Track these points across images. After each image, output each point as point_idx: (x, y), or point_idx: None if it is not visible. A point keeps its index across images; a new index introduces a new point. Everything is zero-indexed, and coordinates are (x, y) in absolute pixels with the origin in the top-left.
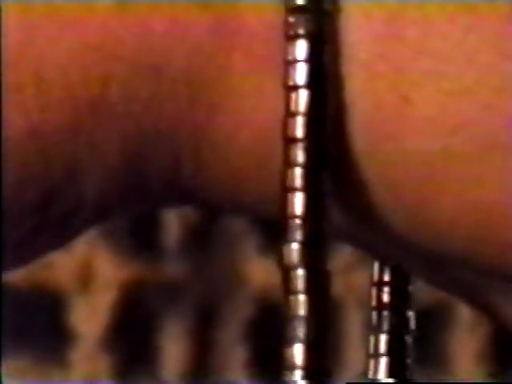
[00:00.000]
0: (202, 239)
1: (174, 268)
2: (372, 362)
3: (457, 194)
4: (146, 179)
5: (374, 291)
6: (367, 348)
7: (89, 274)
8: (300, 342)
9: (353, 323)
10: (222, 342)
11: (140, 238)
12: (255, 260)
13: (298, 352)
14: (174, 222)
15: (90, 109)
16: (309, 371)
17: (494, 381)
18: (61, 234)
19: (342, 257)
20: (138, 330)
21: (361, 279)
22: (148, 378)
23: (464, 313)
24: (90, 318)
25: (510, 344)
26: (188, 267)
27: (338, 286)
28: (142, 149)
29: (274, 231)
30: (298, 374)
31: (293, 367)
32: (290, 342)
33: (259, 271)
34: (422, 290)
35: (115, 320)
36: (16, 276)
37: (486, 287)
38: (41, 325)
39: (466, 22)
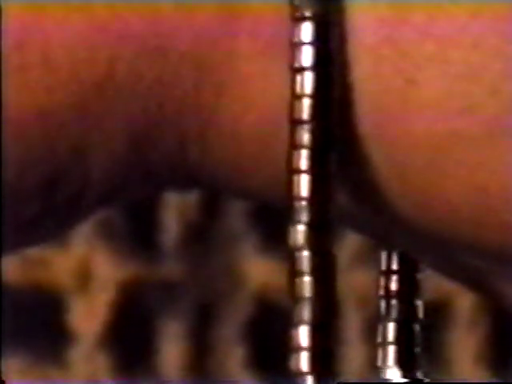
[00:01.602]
0: (201, 239)
1: (172, 267)
2: (380, 351)
3: (462, 177)
4: (151, 162)
5: (382, 280)
6: (375, 337)
7: (87, 274)
8: (305, 323)
9: (353, 322)
10: (220, 341)
11: (138, 238)
12: (254, 259)
13: (303, 334)
14: (172, 222)
15: (96, 90)
16: (314, 353)
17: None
18: (67, 216)
19: (341, 256)
20: (137, 329)
21: (361, 279)
22: (147, 377)
23: (463, 311)
24: (88, 317)
25: (509, 342)
26: (186, 266)
27: (338, 286)
28: (147, 131)
29: (272, 231)
30: (303, 356)
31: (298, 349)
32: (295, 324)
33: (258, 270)
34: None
35: (113, 319)
36: (14, 276)
37: (493, 273)
38: (39, 324)
39: (471, 7)
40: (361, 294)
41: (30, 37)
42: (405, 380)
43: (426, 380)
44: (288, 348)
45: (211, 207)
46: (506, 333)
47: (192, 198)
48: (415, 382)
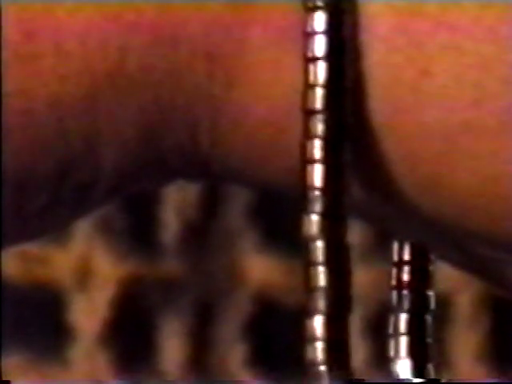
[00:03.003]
0: (201, 236)
1: (172, 265)
2: (392, 342)
3: (475, 167)
4: (163, 152)
5: (394, 270)
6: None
7: (87, 271)
8: (320, 313)
9: (353, 320)
10: (220, 339)
11: (138, 235)
12: (254, 257)
13: (318, 324)
14: (172, 219)
15: (107, 80)
16: (329, 343)
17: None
18: (77, 206)
19: None
20: (137, 326)
21: (360, 276)
22: (147, 374)
23: (463, 309)
24: (88, 314)
25: (509, 340)
26: (186, 264)
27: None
28: (159, 121)
29: (272, 228)
30: (318, 346)
31: (313, 339)
32: (309, 314)
33: (258, 268)
34: None
35: (114, 317)
36: (14, 273)
37: (506, 264)
38: (39, 322)
39: None
40: (361, 291)
41: (41, 25)
42: (421, 380)
43: (443, 380)
44: (300, 339)
45: (211, 205)
46: (507, 330)
47: (192, 195)
48: (431, 382)
